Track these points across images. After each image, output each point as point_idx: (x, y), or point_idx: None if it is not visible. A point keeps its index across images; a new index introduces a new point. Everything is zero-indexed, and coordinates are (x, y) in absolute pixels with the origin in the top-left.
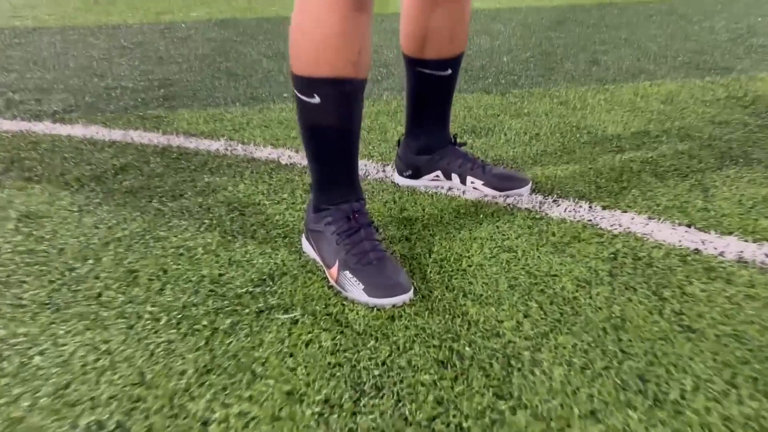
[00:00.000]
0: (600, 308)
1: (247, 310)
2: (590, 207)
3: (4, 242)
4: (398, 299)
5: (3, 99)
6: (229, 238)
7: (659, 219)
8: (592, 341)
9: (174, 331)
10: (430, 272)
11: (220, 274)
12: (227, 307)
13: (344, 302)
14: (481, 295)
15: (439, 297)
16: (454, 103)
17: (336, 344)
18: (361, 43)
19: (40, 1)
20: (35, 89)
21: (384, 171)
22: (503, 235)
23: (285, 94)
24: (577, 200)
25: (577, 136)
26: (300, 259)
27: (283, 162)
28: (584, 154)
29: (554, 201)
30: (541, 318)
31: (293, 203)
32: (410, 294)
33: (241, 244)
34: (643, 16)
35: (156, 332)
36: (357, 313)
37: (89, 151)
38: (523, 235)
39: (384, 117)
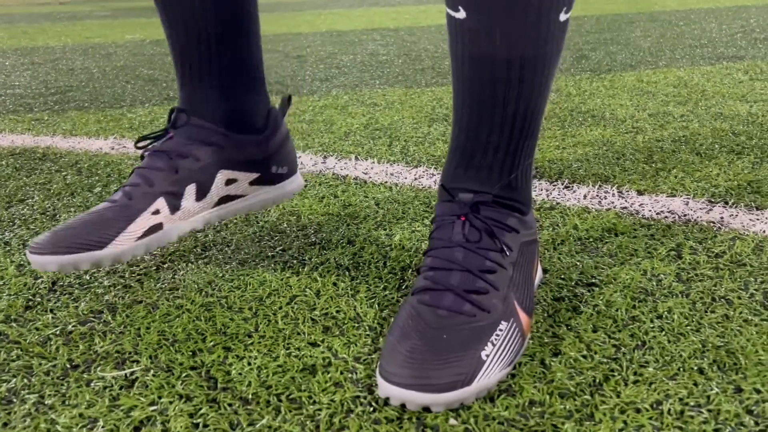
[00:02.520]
0: (682, 334)
1: (47, 366)
2: (620, 192)
3: None
4: None
5: None
6: None
7: (727, 203)
8: (686, 394)
9: None
10: (387, 288)
11: (28, 307)
12: (14, 360)
13: (229, 345)
14: None
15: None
16: (421, 94)
17: (198, 426)
18: None
19: None
20: None
21: (324, 162)
22: None
23: None
24: (599, 184)
25: (580, 119)
26: (172, 277)
27: None
28: (594, 137)
29: (566, 187)
30: (583, 356)
31: None
32: None
33: None
34: (624, 23)
35: None
36: (248, 364)
37: None
38: None
39: (331, 110)
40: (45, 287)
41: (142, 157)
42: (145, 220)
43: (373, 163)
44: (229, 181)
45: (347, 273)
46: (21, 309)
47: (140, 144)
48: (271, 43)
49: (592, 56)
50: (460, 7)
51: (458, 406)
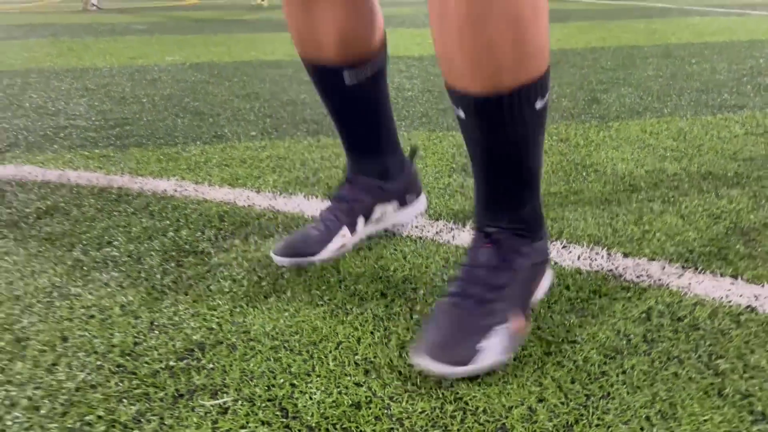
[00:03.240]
0: (639, 387)
1: (161, 394)
2: (609, 254)
3: None
4: None
5: None
6: (157, 295)
7: (697, 268)
8: None
9: (56, 425)
10: (413, 338)
11: (136, 343)
12: (136, 389)
13: (294, 382)
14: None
15: (424, 373)
16: (443, 138)
17: None
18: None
19: (9, 46)
20: None
21: None
22: None
23: (253, 133)
24: (591, 246)
25: (584, 174)
26: (243, 321)
27: (240, 204)
28: (594, 194)
29: (564, 247)
30: (561, 402)
31: (245, 251)
32: None
33: (171, 302)
34: (638, 59)
35: (30, 428)
36: (310, 399)
37: (12, 193)
38: None
39: None
40: (145, 326)
41: (330, 199)
42: (338, 241)
43: None
44: (382, 210)
45: (381, 323)
46: (131, 345)
47: (331, 196)
48: (302, 71)
49: (603, 99)
50: (459, 108)
51: (463, 377)
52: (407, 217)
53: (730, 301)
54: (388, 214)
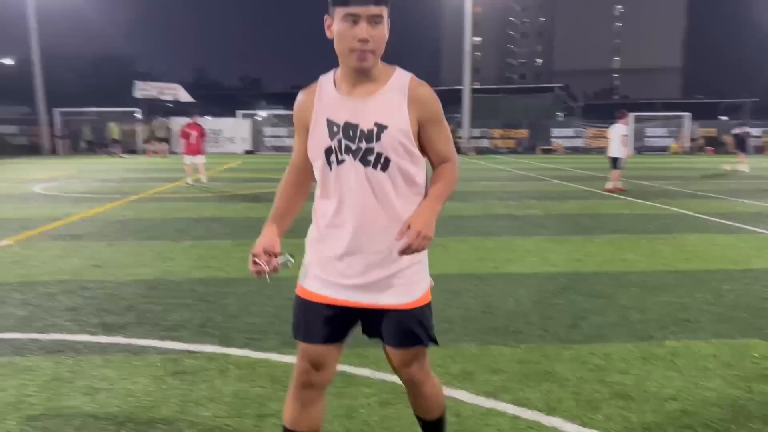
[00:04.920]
0: None
1: None
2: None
3: None
4: None
5: (242, 337)
6: None
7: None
8: None
9: None
10: None
11: None
12: None
13: None
14: None
15: None
16: (482, 355)
17: None
18: None
19: (173, 253)
20: (254, 330)
21: None
22: None
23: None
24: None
25: (544, 375)
26: None
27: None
28: (546, 390)
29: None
30: None
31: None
32: None
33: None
34: (622, 287)
35: None
36: None
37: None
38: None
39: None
40: None
41: None
42: None
43: None
44: None
45: None
46: None
47: None
48: None
49: (579, 325)
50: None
51: None
52: None
53: None
54: None
